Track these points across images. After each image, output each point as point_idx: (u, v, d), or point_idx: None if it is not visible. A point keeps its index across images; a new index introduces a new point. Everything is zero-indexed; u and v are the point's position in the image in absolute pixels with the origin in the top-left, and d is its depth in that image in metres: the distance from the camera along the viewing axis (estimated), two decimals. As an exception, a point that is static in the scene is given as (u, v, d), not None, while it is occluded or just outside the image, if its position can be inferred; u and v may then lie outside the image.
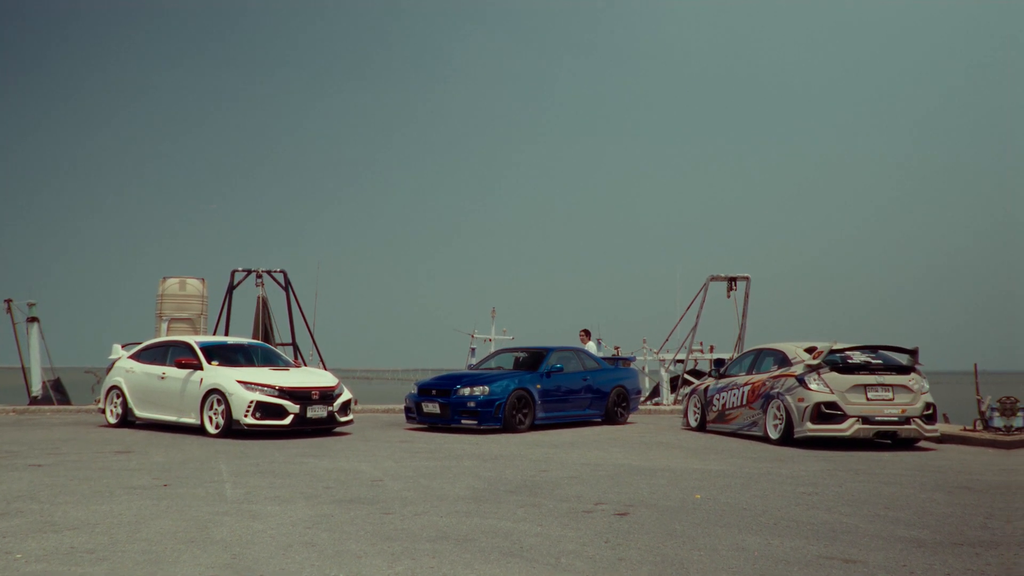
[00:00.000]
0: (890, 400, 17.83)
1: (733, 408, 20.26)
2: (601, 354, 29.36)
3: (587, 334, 28.79)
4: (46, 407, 27.78)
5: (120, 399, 21.29)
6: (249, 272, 30.24)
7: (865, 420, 17.64)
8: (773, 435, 18.56)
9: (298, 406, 18.90)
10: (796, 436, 18.02)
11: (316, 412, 19.14)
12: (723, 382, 21.08)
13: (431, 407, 21.03)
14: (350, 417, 20.13)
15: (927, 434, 18.16)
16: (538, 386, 21.45)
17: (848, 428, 17.62)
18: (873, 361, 18.37)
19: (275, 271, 30.53)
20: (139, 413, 20.91)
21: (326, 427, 19.74)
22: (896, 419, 17.77)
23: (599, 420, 23.49)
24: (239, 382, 18.88)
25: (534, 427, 21.34)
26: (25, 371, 31.02)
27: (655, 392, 37.25)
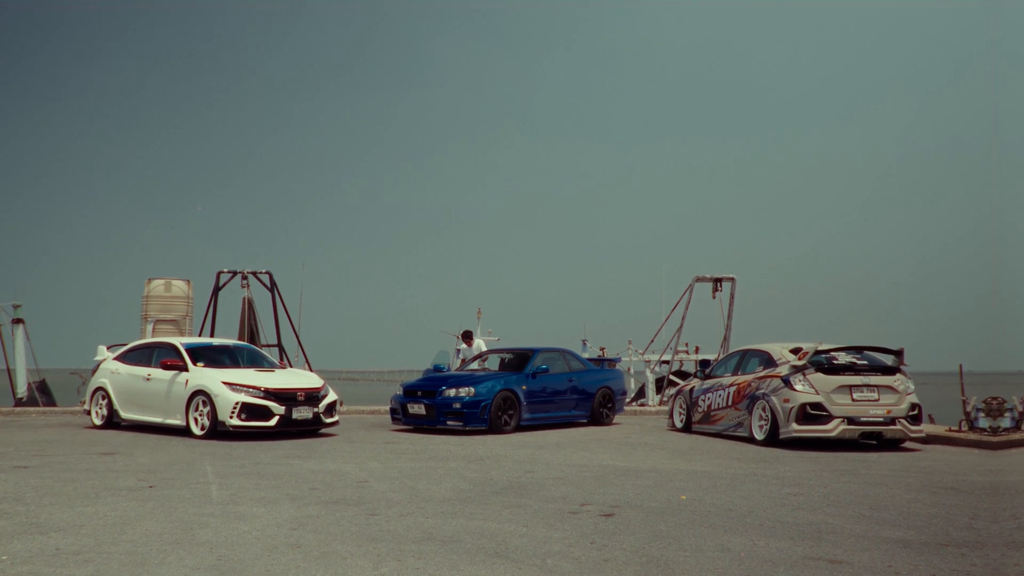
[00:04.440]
0: (875, 401, 17.87)
1: (718, 409, 20.29)
2: (587, 355, 29.37)
3: (469, 336, 28.64)
4: (31, 408, 27.75)
5: (105, 400, 21.25)
6: (235, 273, 30.23)
7: (850, 421, 17.67)
8: (758, 436, 18.59)
9: (284, 407, 18.88)
10: (781, 437, 18.05)
11: (302, 413, 19.12)
12: (708, 383, 21.11)
13: (417, 408, 21.01)
14: (336, 418, 20.11)
15: (912, 435, 18.20)
16: (524, 387, 21.45)
17: (833, 429, 17.65)
18: (858, 362, 18.40)
19: (260, 272, 30.51)
20: (124, 414, 20.87)
21: (312, 428, 19.71)
22: (881, 420, 17.80)
23: (585, 421, 23.50)
24: (224, 383, 18.86)
25: (520, 428, 21.34)
26: (10, 372, 30.95)
27: (640, 393, 37.28)
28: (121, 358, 21.53)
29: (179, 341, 20.93)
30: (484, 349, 26.85)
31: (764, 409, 18.51)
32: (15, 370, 30.75)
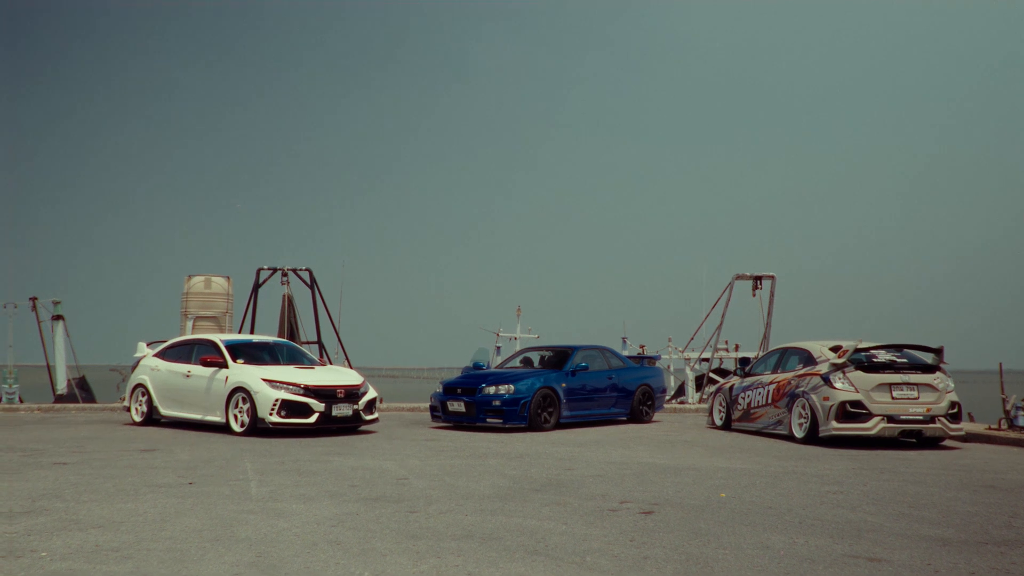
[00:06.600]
0: (915, 399, 17.76)
1: (758, 407, 20.22)
2: (626, 353, 29.33)
3: None
4: (71, 405, 27.90)
5: (145, 397, 21.35)
6: (275, 270, 30.33)
7: (890, 419, 17.58)
8: (798, 434, 18.51)
9: (323, 404, 18.90)
10: (821, 435, 17.97)
11: (341, 410, 19.15)
12: (748, 381, 21.04)
13: (456, 406, 21.04)
14: (375, 415, 20.13)
15: (952, 433, 18.09)
16: (563, 385, 21.43)
17: (873, 427, 17.56)
18: (898, 360, 18.30)
19: (301, 269, 30.61)
20: (164, 411, 20.96)
21: (351, 425, 19.74)
22: (921, 418, 17.70)
23: (624, 419, 23.47)
24: (264, 380, 18.90)
25: (559, 426, 21.33)
26: (50, 369, 31.23)
27: (680, 391, 37.27)
28: (161, 355, 21.61)
29: (219, 338, 20.97)
30: None
31: (804, 407, 18.43)
32: (55, 366, 31.03)
